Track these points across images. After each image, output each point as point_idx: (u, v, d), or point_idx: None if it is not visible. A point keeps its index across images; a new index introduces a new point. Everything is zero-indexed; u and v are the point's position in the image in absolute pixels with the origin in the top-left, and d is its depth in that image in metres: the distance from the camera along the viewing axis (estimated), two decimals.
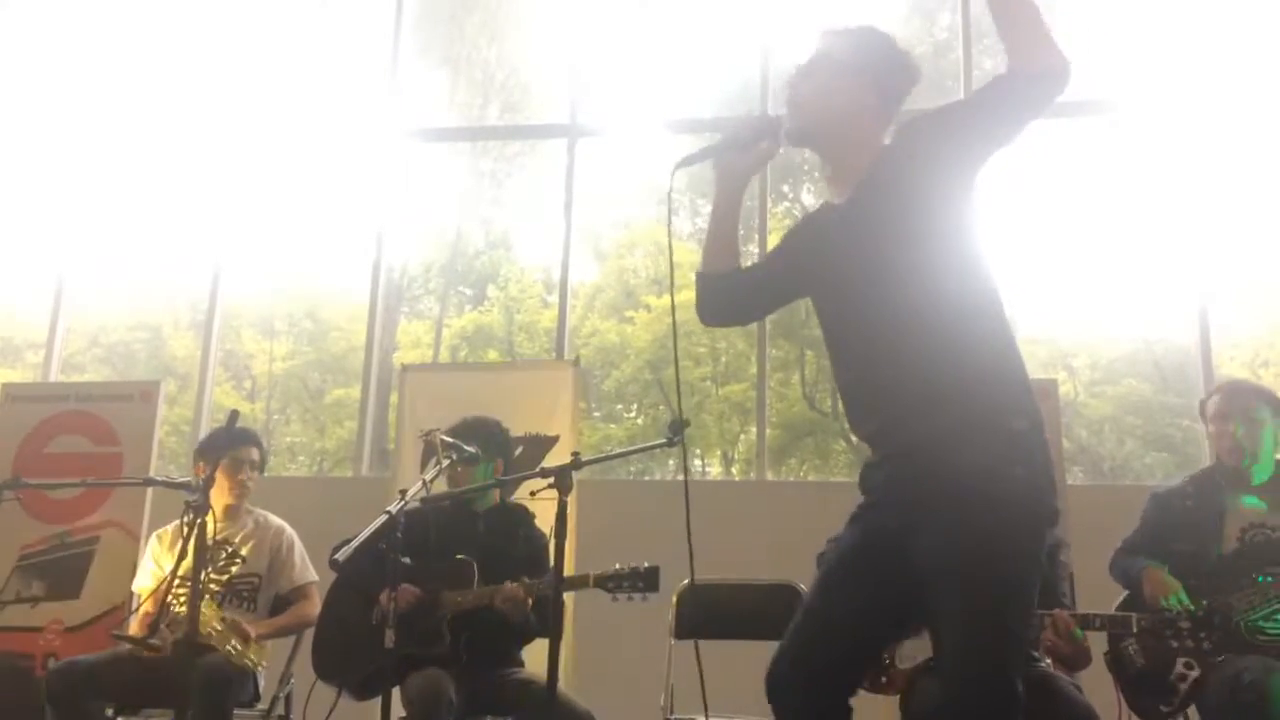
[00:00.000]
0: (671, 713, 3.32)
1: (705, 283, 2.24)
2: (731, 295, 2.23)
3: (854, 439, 2.17)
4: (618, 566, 3.11)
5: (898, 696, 3.00)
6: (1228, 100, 5.32)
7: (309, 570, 3.75)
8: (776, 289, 2.26)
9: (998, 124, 1.99)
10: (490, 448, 3.45)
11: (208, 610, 3.38)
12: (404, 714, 3.03)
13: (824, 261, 2.13)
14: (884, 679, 2.97)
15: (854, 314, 2.04)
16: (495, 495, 3.52)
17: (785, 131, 2.16)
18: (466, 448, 3.13)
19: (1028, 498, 1.88)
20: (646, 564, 3.08)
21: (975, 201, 2.03)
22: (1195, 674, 2.85)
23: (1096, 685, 2.99)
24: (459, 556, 3.26)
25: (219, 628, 3.37)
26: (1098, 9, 5.74)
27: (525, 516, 3.46)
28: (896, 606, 2.00)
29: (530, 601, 3.13)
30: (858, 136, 2.11)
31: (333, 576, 3.28)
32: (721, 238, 2.21)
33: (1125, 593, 3.21)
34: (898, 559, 1.93)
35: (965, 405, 1.90)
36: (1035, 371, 6.03)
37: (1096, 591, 3.20)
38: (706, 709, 2.55)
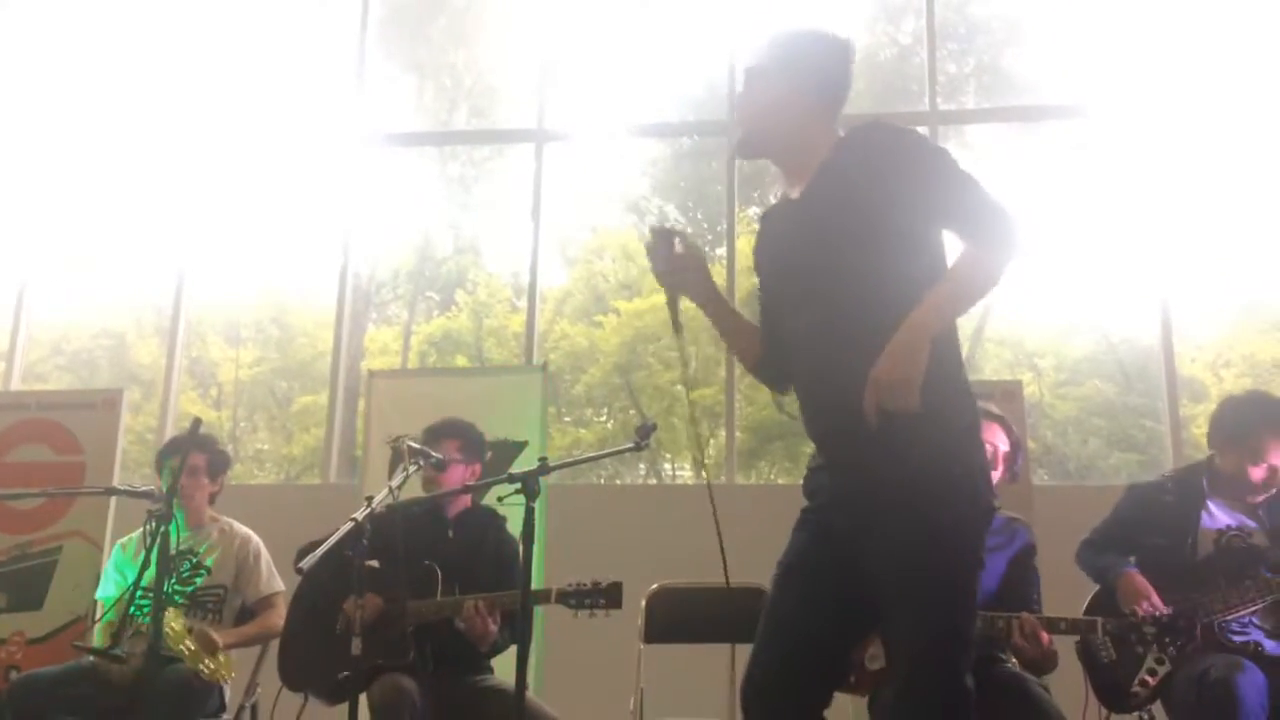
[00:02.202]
0: (641, 717, 3.31)
1: (758, 375, 2.31)
2: (779, 363, 2.21)
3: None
4: (579, 582, 3.08)
5: (866, 698, 3.03)
6: (1191, 104, 5.41)
7: (275, 580, 3.71)
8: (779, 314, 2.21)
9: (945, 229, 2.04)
10: (469, 450, 3.46)
11: (177, 626, 3.33)
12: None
13: (782, 258, 2.16)
14: (852, 679, 2.98)
15: (807, 312, 2.05)
16: (466, 499, 3.50)
17: (736, 145, 2.20)
18: (433, 454, 3.12)
19: (970, 495, 1.94)
20: (609, 579, 3.06)
21: (927, 213, 2.03)
22: (1164, 669, 2.88)
23: (1062, 678, 3.02)
24: (425, 563, 3.23)
25: (191, 647, 3.32)
26: (1063, 14, 5.82)
27: (496, 521, 3.45)
28: (858, 609, 2.01)
29: (495, 619, 3.11)
30: (806, 140, 2.14)
31: (298, 583, 3.25)
32: (735, 337, 2.29)
33: (1094, 590, 3.23)
34: (851, 562, 1.97)
35: (923, 414, 1.91)
36: (1001, 373, 6.10)
37: (1063, 592, 3.22)
38: None
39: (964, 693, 1.87)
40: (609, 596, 3.04)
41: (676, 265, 2.19)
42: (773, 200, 2.34)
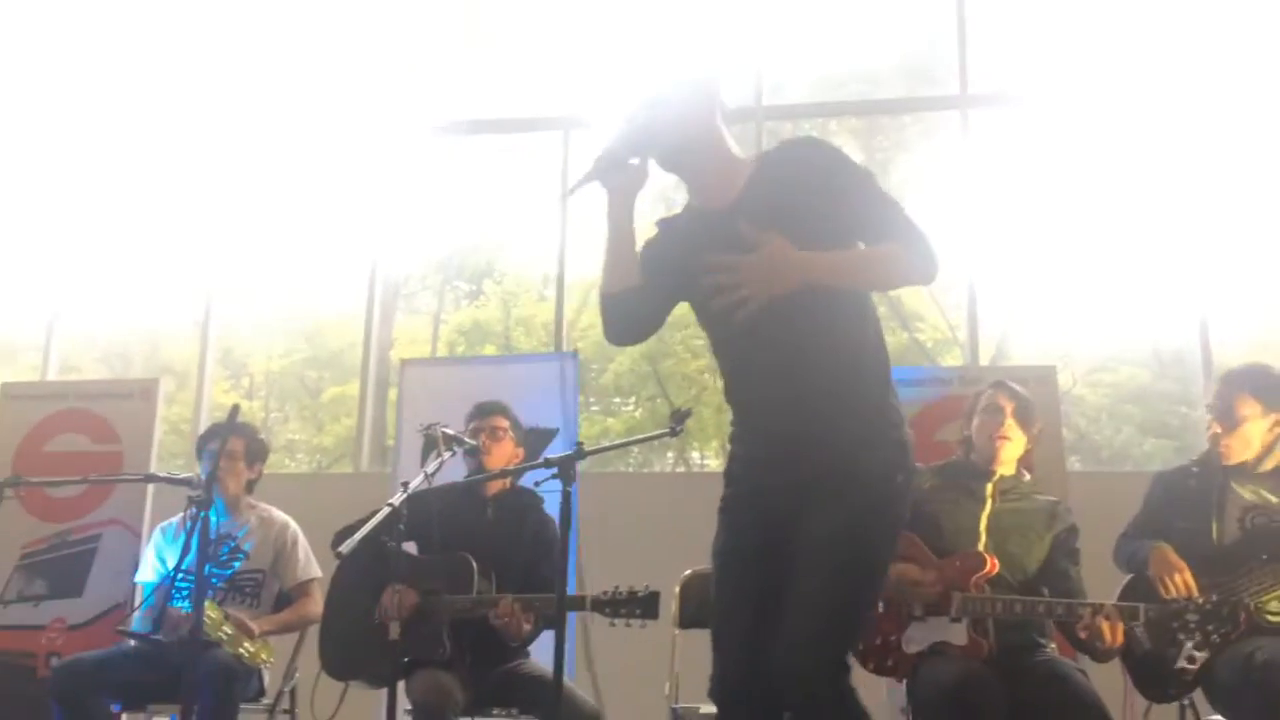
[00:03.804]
0: (676, 702, 3.32)
1: (614, 304, 2.21)
2: (638, 312, 2.24)
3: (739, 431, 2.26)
4: (615, 589, 3.05)
5: (903, 681, 3.02)
6: (1230, 93, 5.34)
7: (312, 566, 3.75)
8: (660, 299, 2.26)
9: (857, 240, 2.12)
10: (517, 428, 3.54)
11: (213, 613, 3.37)
12: (410, 707, 3.04)
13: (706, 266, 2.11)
14: (890, 662, 2.98)
15: (760, 316, 2.03)
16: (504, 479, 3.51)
17: (655, 157, 2.21)
18: (468, 440, 3.15)
19: (902, 501, 2.10)
20: (646, 588, 3.03)
21: (861, 228, 2.12)
22: (1204, 655, 2.84)
23: (1100, 668, 3.00)
24: (459, 553, 3.24)
25: (229, 631, 3.37)
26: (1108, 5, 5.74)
27: (534, 501, 3.45)
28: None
29: (529, 618, 3.12)
30: (718, 150, 2.21)
31: (335, 568, 3.28)
32: (623, 257, 2.20)
33: (1125, 579, 3.21)
34: (785, 543, 2.06)
35: (866, 412, 2.09)
36: (1033, 359, 6.04)
37: (1098, 578, 3.19)
38: None
39: (847, 682, 2.00)
40: (645, 607, 3.00)
41: (626, 168, 2.19)
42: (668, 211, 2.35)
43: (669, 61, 2.26)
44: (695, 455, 7.10)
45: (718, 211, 2.17)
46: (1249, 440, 3.08)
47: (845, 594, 2.00)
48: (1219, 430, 3.11)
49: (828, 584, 1.97)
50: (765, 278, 1.98)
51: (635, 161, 2.18)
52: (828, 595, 1.97)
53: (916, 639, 2.93)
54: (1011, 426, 3.07)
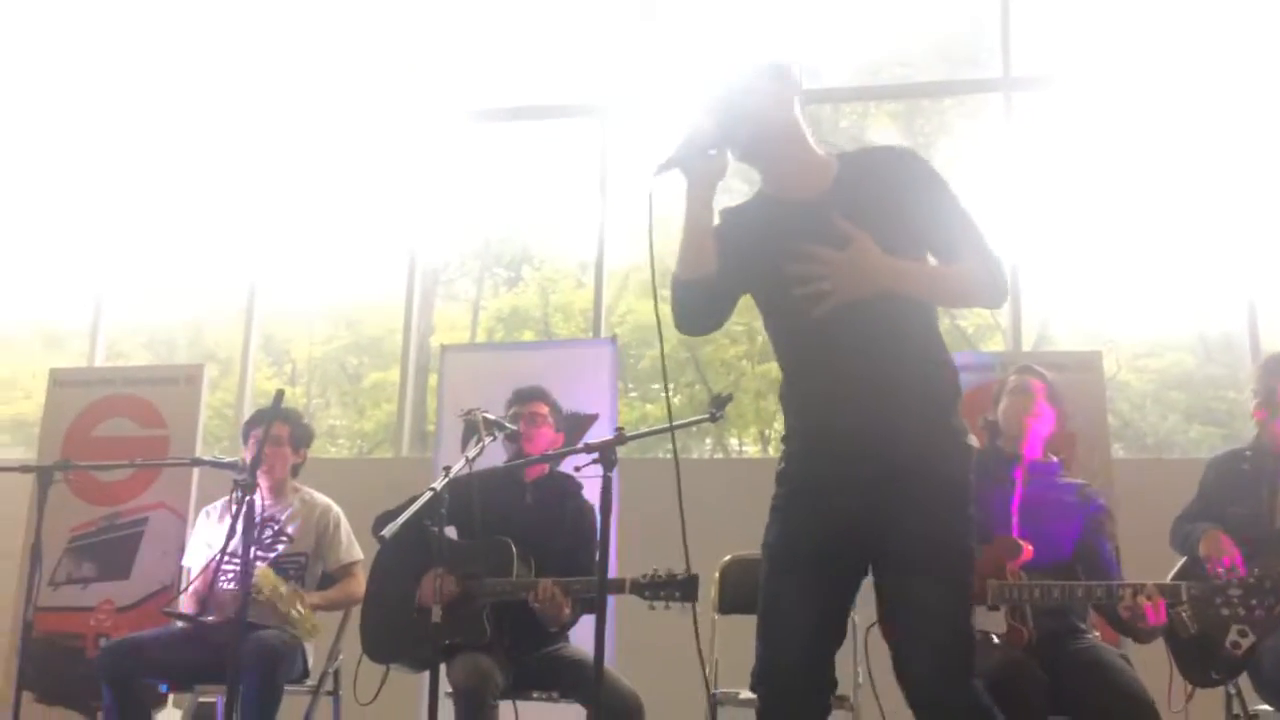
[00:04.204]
0: (715, 687, 3.33)
1: (688, 291, 2.20)
2: (711, 300, 2.22)
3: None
4: (655, 572, 3.05)
5: None
6: (1275, 74, 5.23)
7: (355, 549, 3.79)
8: (730, 287, 2.24)
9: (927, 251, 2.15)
10: (557, 413, 3.56)
11: (270, 576, 3.43)
12: (451, 690, 3.06)
13: (794, 253, 2.10)
14: None
15: (845, 311, 2.05)
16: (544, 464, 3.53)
17: (734, 148, 2.19)
18: (508, 425, 3.16)
19: (972, 499, 2.13)
20: (685, 571, 2.99)
21: (942, 243, 2.16)
22: (1249, 640, 2.81)
23: (1145, 651, 2.97)
24: (499, 537, 3.27)
25: (284, 591, 3.42)
26: None
27: (573, 486, 3.46)
28: (850, 588, 2.19)
29: (568, 602, 3.13)
30: (799, 141, 2.21)
31: (376, 551, 3.31)
32: (700, 244, 2.18)
33: (1178, 563, 3.17)
34: (857, 541, 2.11)
35: (940, 415, 2.13)
36: (1079, 345, 5.95)
37: (1144, 564, 3.16)
38: None
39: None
40: (685, 589, 2.99)
41: (710, 156, 2.17)
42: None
43: (747, 49, 2.24)
44: (734, 442, 7.09)
45: (802, 203, 2.16)
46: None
47: (965, 600, 2.07)
48: (1264, 416, 3.08)
49: (950, 593, 2.04)
50: (853, 276, 2.02)
51: (713, 152, 2.16)
52: (951, 604, 2.04)
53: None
54: (1043, 406, 3.05)
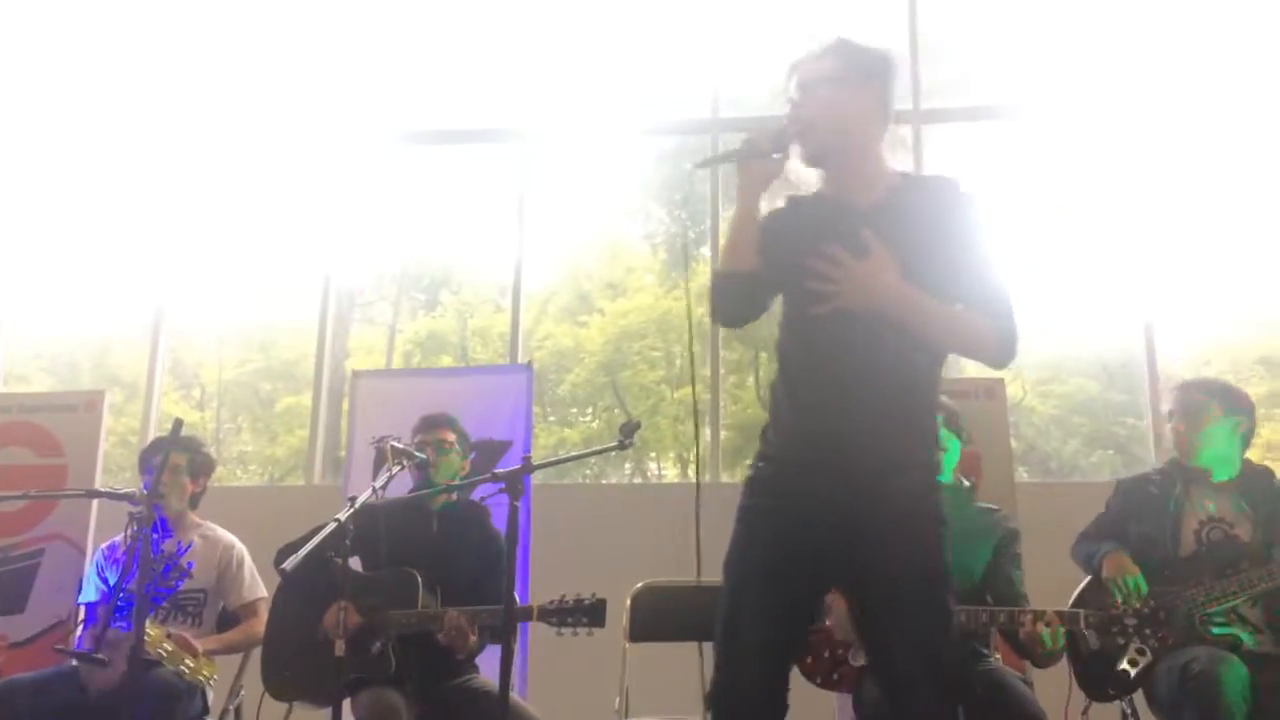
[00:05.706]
0: (626, 715, 3.31)
1: (726, 283, 2.22)
2: (750, 293, 2.24)
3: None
4: (562, 598, 3.04)
5: (850, 694, 3.03)
6: (1173, 98, 5.46)
7: (258, 586, 3.69)
8: (769, 276, 2.25)
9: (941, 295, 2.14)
10: (464, 441, 3.51)
11: (154, 631, 3.31)
12: None
13: (814, 252, 2.14)
14: (836, 676, 2.99)
15: (863, 319, 2.09)
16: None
17: (801, 154, 2.22)
18: (417, 454, 3.12)
19: (945, 528, 2.15)
20: (593, 596, 3.02)
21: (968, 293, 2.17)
22: (1145, 659, 2.90)
23: (1045, 672, 3.03)
24: (404, 568, 3.21)
25: (169, 648, 3.31)
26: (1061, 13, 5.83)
27: (480, 515, 3.44)
28: (811, 604, 2.23)
29: (475, 631, 3.10)
30: (867, 144, 2.22)
31: (278, 584, 3.24)
32: (745, 239, 2.20)
33: (1080, 585, 3.25)
34: (820, 559, 2.10)
35: (923, 434, 2.16)
36: (984, 371, 6.07)
37: (1048, 587, 3.24)
38: None
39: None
40: (592, 615, 2.99)
41: (767, 158, 2.21)
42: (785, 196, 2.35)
43: (842, 63, 2.22)
44: (653, 466, 7.09)
45: (847, 207, 2.19)
46: (1212, 439, 3.15)
47: (945, 628, 2.09)
48: (1183, 428, 3.18)
49: (933, 622, 2.06)
50: (861, 287, 2.05)
51: (778, 155, 2.19)
52: (935, 633, 2.05)
53: (863, 653, 2.95)
54: (945, 436, 3.11)
